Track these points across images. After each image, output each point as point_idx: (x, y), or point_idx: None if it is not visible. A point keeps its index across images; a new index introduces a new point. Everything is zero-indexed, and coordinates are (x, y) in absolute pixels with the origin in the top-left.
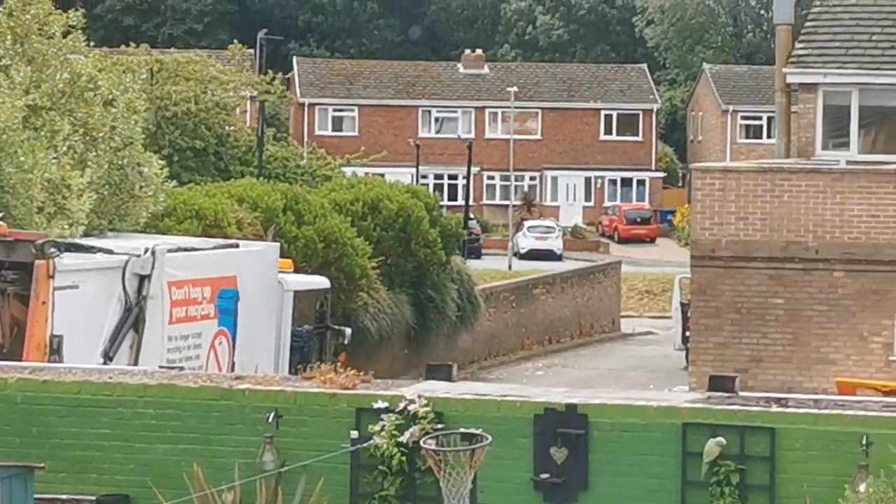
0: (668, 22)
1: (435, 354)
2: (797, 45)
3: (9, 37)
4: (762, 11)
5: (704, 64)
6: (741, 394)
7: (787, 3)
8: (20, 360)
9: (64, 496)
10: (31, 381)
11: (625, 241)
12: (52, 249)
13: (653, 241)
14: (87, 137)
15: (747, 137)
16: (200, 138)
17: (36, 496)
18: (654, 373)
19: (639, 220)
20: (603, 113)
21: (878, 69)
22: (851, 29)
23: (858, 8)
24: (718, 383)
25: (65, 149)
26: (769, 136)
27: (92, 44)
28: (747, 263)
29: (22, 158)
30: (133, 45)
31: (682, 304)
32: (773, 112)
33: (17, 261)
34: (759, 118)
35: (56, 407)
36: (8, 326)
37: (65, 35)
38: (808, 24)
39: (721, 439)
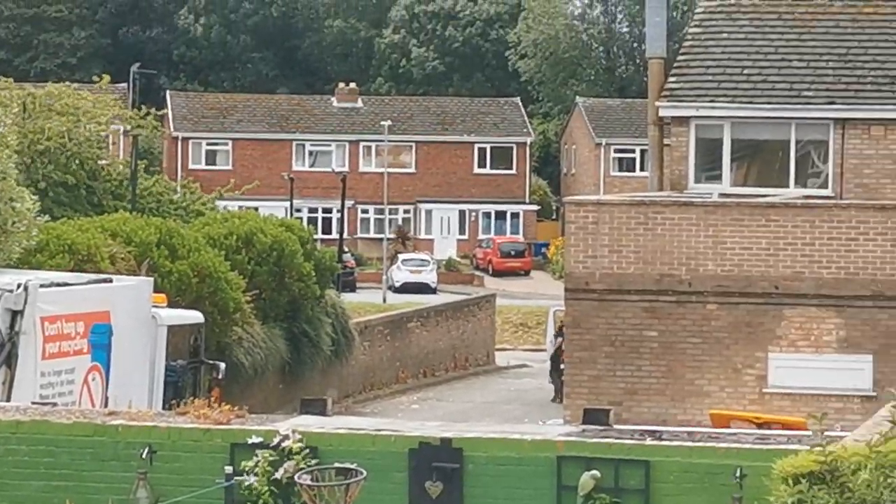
0: (541, 56)
1: (310, 388)
2: (670, 78)
3: None
4: (635, 45)
5: (578, 97)
6: (616, 427)
7: (659, 37)
8: None
9: None
10: None
11: (499, 273)
12: None
13: (527, 273)
14: None
15: (620, 170)
16: (72, 173)
17: None
18: (528, 406)
19: (513, 252)
20: (477, 146)
21: (750, 102)
22: (723, 63)
23: (730, 42)
24: (593, 416)
25: None
26: (642, 169)
27: None
28: (621, 296)
29: None
30: (3, 78)
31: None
32: (646, 145)
33: None
34: (633, 151)
35: None
36: None
37: None
38: (680, 57)
39: (596, 472)
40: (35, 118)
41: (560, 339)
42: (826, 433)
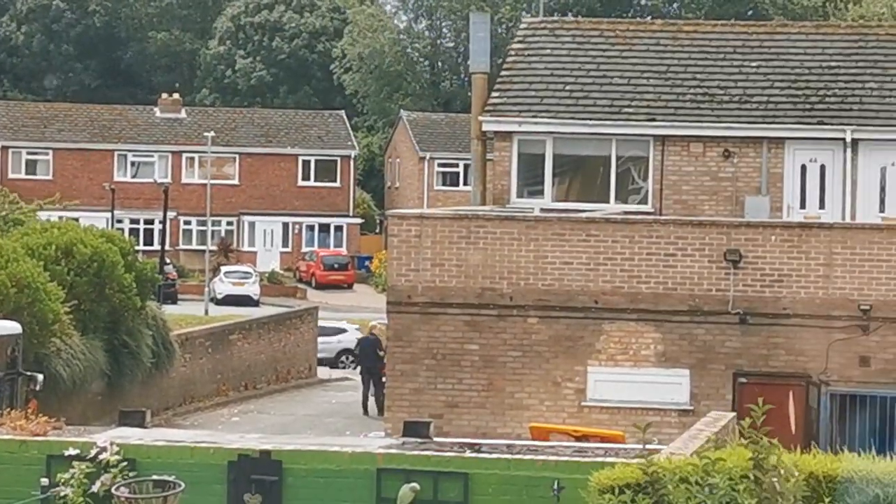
0: (366, 69)
1: (130, 400)
2: (493, 93)
3: None
4: (460, 60)
5: (402, 111)
6: (435, 439)
7: (482, 52)
8: None
9: None
10: None
11: (322, 286)
12: None
13: (350, 286)
14: None
15: (444, 184)
16: None
17: None
18: (350, 419)
19: (336, 265)
20: (301, 159)
21: (572, 118)
22: (546, 78)
23: (552, 58)
24: (413, 429)
25: None
26: (466, 184)
27: None
28: (443, 310)
29: None
30: None
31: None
32: (469, 159)
33: None
34: (456, 165)
35: None
36: None
37: None
38: (503, 72)
39: (415, 485)
40: None
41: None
42: (647, 445)
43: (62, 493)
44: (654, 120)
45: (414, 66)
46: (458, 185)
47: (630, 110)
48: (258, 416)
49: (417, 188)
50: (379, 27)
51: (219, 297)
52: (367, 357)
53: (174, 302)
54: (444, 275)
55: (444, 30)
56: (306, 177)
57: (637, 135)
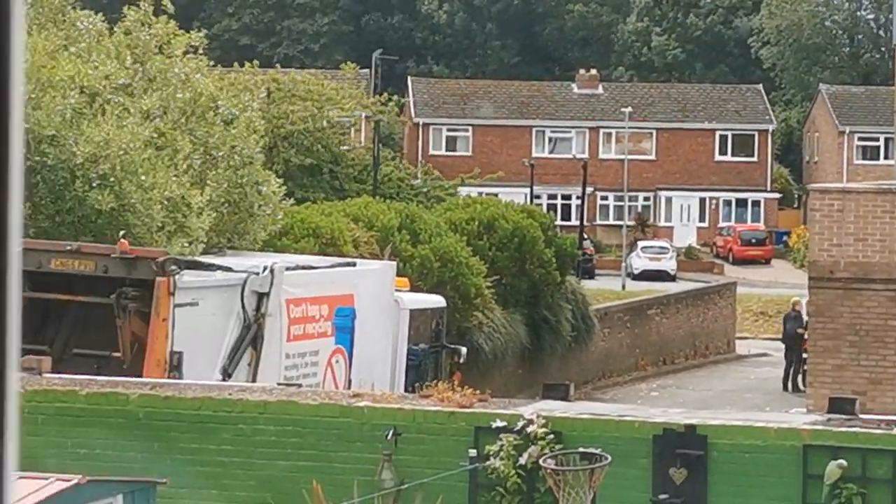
0: (784, 43)
1: (549, 374)
2: None
3: (128, 56)
4: (880, 32)
5: (821, 84)
6: (861, 416)
7: None
8: (141, 376)
9: None
10: (152, 397)
11: (739, 262)
12: (173, 267)
13: (768, 262)
14: (207, 156)
15: (864, 159)
16: (316, 157)
17: None
18: (769, 395)
19: (754, 241)
20: (718, 133)
21: None
22: None
23: None
24: (838, 405)
25: (185, 168)
26: (887, 158)
27: (210, 63)
28: (866, 285)
29: (143, 178)
30: (248, 64)
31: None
32: (891, 133)
33: (139, 278)
34: (877, 139)
35: (177, 423)
36: (129, 343)
37: (184, 54)
38: None
39: (842, 461)
40: (279, 103)
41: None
42: None
43: (493, 465)
44: None
45: (833, 38)
46: (878, 159)
47: None
48: (676, 391)
49: (836, 163)
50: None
51: (635, 272)
52: (789, 333)
53: (591, 277)
54: (868, 250)
55: (864, 0)
56: (723, 151)
57: None
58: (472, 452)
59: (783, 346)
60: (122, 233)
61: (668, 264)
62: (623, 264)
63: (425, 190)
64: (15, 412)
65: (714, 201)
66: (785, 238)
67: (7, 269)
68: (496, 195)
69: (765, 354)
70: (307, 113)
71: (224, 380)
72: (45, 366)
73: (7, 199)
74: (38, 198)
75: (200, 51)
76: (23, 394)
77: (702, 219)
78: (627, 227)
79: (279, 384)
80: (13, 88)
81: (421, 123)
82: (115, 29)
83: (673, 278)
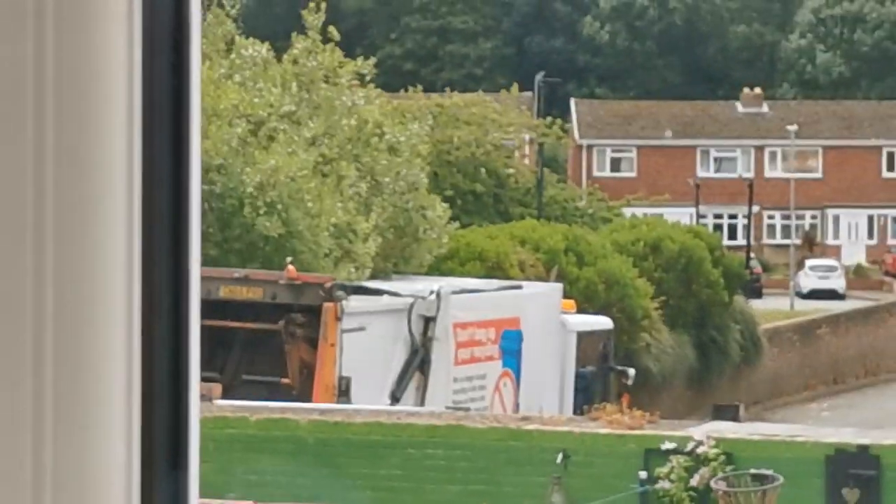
0: None
1: (718, 395)
2: None
3: (294, 84)
4: None
5: None
6: None
7: None
8: (310, 402)
9: None
10: (322, 422)
11: None
12: (340, 292)
13: None
14: (373, 182)
15: None
16: (480, 182)
17: None
18: None
19: None
20: (885, 150)
21: None
22: None
23: None
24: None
25: (351, 194)
26: None
27: (376, 91)
28: None
29: (310, 205)
30: (413, 89)
31: None
32: None
33: (306, 304)
34: None
35: (347, 448)
36: (298, 369)
37: (349, 82)
38: None
39: None
40: (443, 128)
41: None
42: None
43: (663, 487)
44: None
45: None
46: None
47: None
48: (848, 412)
49: None
50: None
51: (804, 291)
52: None
53: (759, 296)
54: None
55: None
56: (891, 168)
57: None
58: (643, 475)
59: None
60: (289, 259)
61: (837, 283)
62: (791, 283)
63: (590, 212)
64: (196, 440)
65: (882, 218)
66: None
67: (189, 298)
68: (661, 216)
69: None
70: (472, 136)
71: (392, 404)
72: (217, 392)
73: (189, 229)
74: (205, 226)
75: (368, 78)
76: None
77: (870, 236)
78: (795, 245)
79: (447, 408)
80: (193, 118)
81: (585, 145)
82: (285, 57)
83: (842, 297)
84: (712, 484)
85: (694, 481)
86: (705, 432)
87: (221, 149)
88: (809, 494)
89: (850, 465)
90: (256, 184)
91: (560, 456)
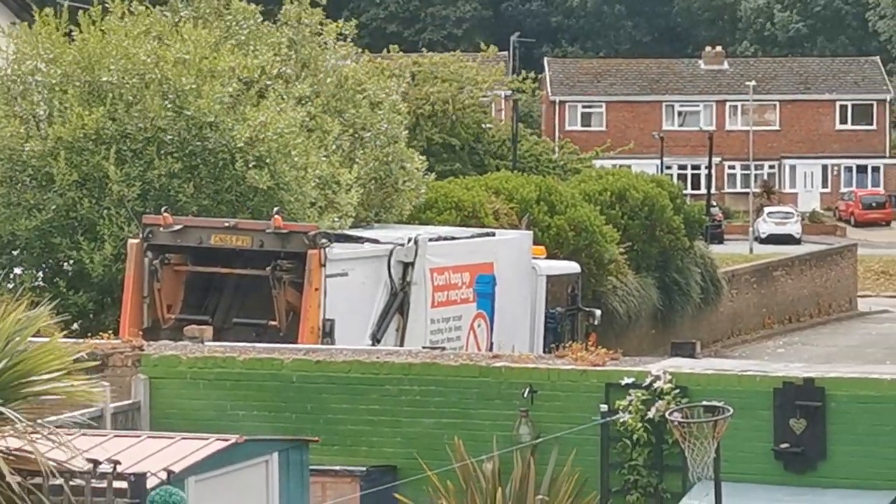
0: None
1: (680, 334)
2: None
3: (284, 42)
4: None
5: None
6: None
7: None
8: (296, 343)
9: (336, 467)
10: (305, 361)
11: (860, 224)
12: (324, 240)
13: (888, 224)
14: (355, 137)
15: None
16: (457, 136)
17: (311, 467)
18: (891, 349)
19: (874, 204)
20: (838, 104)
21: None
22: None
23: None
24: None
25: (334, 148)
26: None
27: (359, 50)
28: None
29: (297, 158)
30: (394, 49)
31: None
32: None
33: (292, 251)
34: None
35: (328, 385)
36: (284, 312)
37: (335, 43)
38: None
39: None
40: (421, 85)
41: None
42: None
43: (622, 419)
44: None
45: None
46: None
47: None
48: (802, 348)
49: None
50: None
51: (762, 236)
52: None
53: (721, 242)
54: None
55: None
56: (843, 121)
57: None
58: (604, 407)
59: None
60: (275, 209)
61: (794, 228)
62: (750, 229)
63: (562, 163)
64: None
65: (836, 168)
66: None
67: None
68: (629, 167)
69: (886, 311)
70: (447, 94)
71: (374, 345)
72: (208, 335)
73: None
74: (199, 178)
75: (349, 39)
76: (186, 361)
77: (824, 185)
78: (754, 194)
79: (424, 348)
80: None
81: (557, 101)
82: (277, 20)
83: (798, 241)
84: (667, 416)
85: (651, 413)
86: (662, 368)
87: (214, 107)
88: (759, 424)
89: (797, 396)
90: (246, 139)
91: (527, 390)
